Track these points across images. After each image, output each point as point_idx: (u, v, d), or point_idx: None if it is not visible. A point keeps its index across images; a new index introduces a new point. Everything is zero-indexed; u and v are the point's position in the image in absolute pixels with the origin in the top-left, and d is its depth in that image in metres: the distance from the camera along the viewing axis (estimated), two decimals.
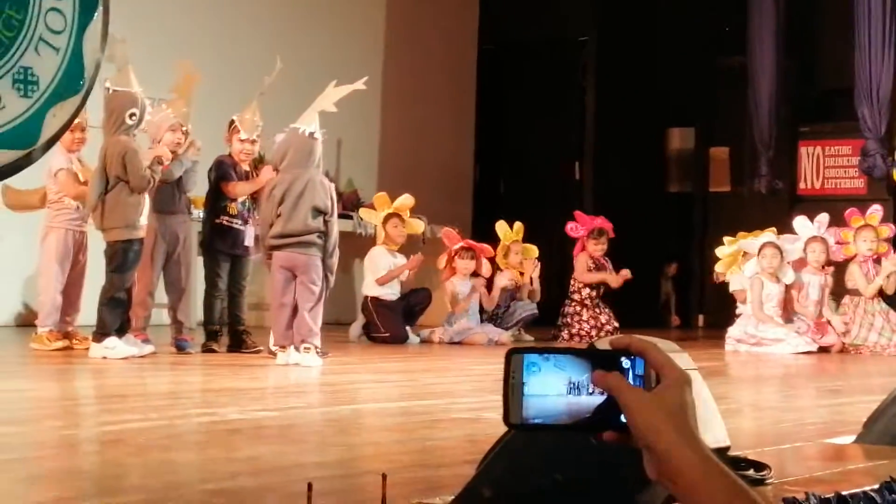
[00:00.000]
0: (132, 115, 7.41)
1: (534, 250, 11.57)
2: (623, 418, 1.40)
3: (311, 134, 7.41)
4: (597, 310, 11.45)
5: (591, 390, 1.41)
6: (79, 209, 8.05)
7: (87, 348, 7.49)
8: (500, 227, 11.50)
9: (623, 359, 1.42)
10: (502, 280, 11.10)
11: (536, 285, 11.52)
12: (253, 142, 8.39)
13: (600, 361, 1.42)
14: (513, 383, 1.42)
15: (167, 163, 7.78)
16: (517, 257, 11.41)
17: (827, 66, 14.77)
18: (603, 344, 2.31)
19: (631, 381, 1.41)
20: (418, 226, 10.75)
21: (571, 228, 11.71)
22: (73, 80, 1.98)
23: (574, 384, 1.41)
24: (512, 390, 1.42)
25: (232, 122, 8.37)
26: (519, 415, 1.42)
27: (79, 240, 8.14)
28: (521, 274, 11.44)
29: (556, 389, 1.41)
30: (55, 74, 1.95)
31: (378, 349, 9.45)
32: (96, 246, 7.82)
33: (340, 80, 7.73)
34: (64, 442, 3.90)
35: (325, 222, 7.42)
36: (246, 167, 8.41)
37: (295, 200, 7.36)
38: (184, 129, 8.00)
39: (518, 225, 11.50)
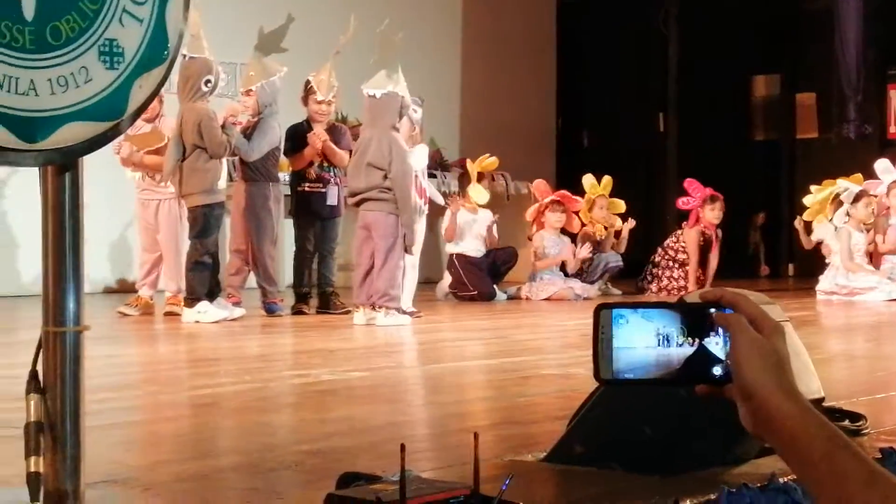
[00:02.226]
0: (207, 81, 7.47)
1: (621, 205, 11.45)
2: (716, 371, 1.38)
3: (364, 92, 7.42)
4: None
5: (680, 342, 1.39)
6: (152, 177, 8.11)
7: (168, 312, 7.65)
8: (587, 180, 11.40)
9: (713, 311, 1.40)
10: (584, 252, 10.92)
11: (624, 236, 11.43)
12: (329, 102, 8.41)
13: (690, 314, 1.40)
14: (602, 338, 1.40)
15: (240, 118, 7.85)
16: (602, 212, 11.32)
17: None
18: (693, 298, 2.29)
19: (721, 336, 1.39)
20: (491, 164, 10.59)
21: (683, 202, 11.46)
22: (157, 51, 1.99)
23: (663, 335, 1.39)
24: (602, 345, 1.41)
25: (308, 82, 8.41)
26: (609, 369, 1.40)
27: (160, 207, 8.16)
28: (606, 228, 11.36)
29: (644, 341, 1.39)
30: (140, 45, 1.96)
31: (466, 307, 9.47)
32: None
33: (417, 39, 7.69)
34: (160, 406, 3.97)
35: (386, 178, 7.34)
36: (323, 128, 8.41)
37: (357, 159, 7.44)
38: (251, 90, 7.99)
39: (606, 179, 11.40)
